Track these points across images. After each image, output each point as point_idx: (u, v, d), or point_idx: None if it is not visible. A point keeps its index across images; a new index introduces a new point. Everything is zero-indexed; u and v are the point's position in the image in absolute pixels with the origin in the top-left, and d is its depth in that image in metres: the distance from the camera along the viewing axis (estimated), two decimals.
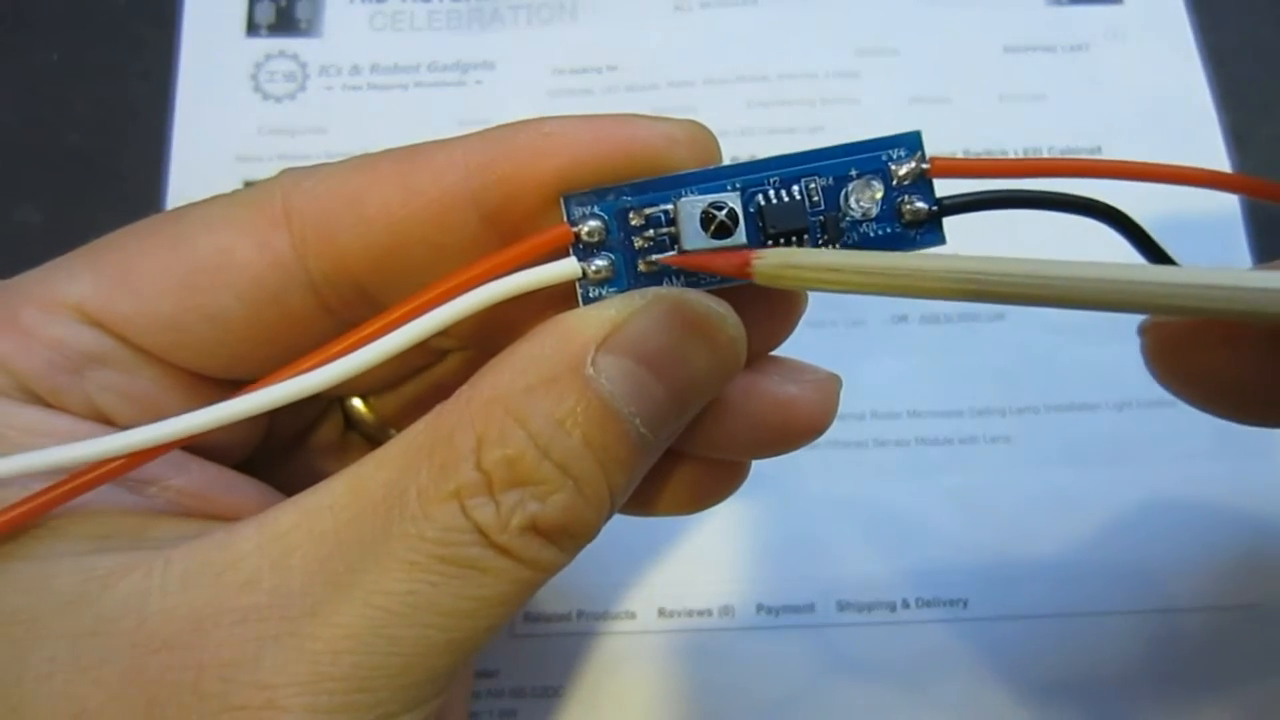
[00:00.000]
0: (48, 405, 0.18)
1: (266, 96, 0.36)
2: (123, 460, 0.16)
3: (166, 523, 0.18)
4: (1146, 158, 0.35)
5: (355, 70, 0.36)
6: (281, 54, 0.37)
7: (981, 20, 0.37)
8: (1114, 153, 0.35)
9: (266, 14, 0.37)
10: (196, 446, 0.19)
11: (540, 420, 0.16)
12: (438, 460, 0.16)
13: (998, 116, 0.36)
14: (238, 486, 0.19)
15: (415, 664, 0.16)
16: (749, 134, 0.35)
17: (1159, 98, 0.36)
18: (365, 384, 0.23)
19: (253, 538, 0.16)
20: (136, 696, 0.15)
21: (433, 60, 0.37)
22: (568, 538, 0.16)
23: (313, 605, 0.15)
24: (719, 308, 0.17)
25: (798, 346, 0.20)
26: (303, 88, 0.36)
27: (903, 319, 0.33)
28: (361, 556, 0.16)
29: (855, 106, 0.36)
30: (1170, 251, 0.19)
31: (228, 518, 0.18)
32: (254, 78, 0.36)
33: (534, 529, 0.16)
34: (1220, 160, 0.34)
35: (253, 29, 0.37)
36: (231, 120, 0.36)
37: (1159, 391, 0.28)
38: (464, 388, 0.17)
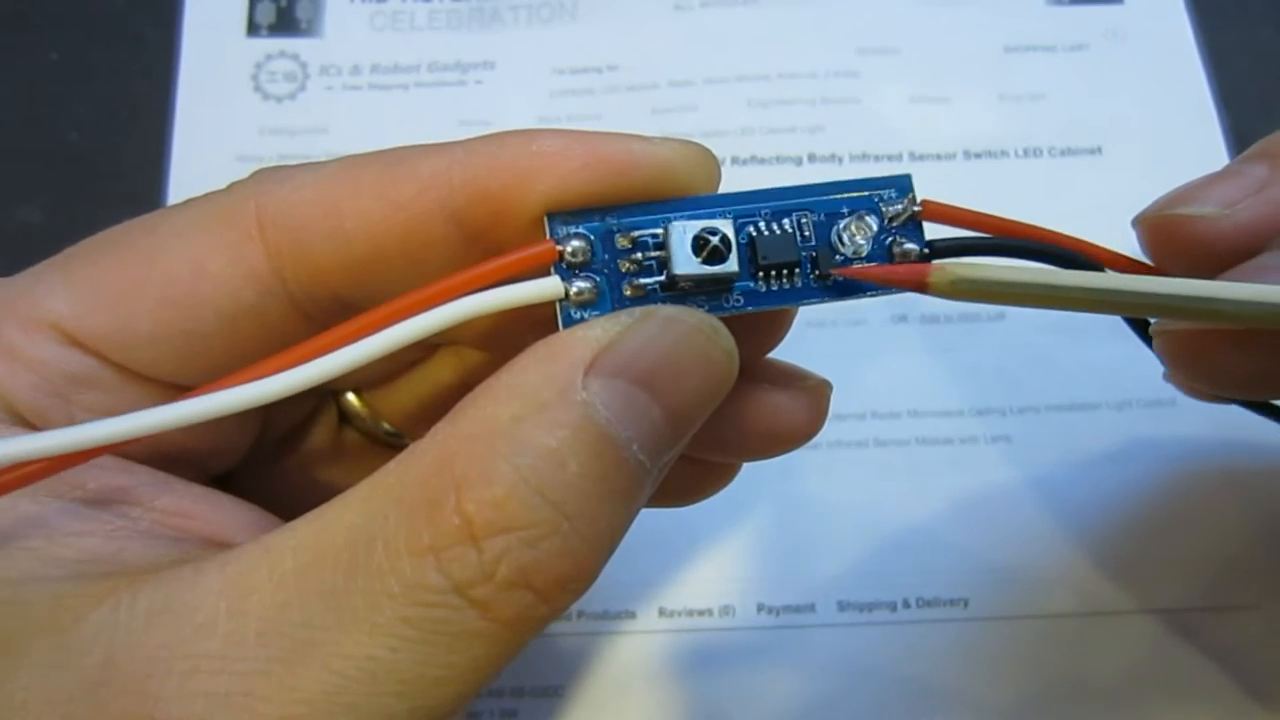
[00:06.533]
0: (35, 429, 0.17)
1: (267, 96, 0.36)
2: (42, 464, 0.15)
3: (146, 548, 0.17)
4: (1146, 158, 0.35)
5: (355, 70, 0.36)
6: (282, 54, 0.37)
7: (981, 20, 0.37)
8: (1114, 153, 0.35)
9: (267, 14, 0.37)
10: (186, 451, 0.19)
11: (532, 453, 0.14)
12: (406, 507, 0.15)
13: (998, 116, 0.36)
14: (224, 506, 0.18)
15: None
16: (749, 133, 0.35)
17: (1159, 98, 0.36)
18: (356, 379, 0.22)
19: (216, 576, 0.15)
20: None
21: (433, 60, 0.37)
22: (562, 590, 0.15)
23: (265, 662, 0.14)
24: (710, 321, 0.16)
25: (799, 346, 0.20)
26: (303, 88, 0.36)
27: (903, 319, 0.33)
28: (321, 610, 0.14)
29: (855, 106, 0.36)
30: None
31: (214, 539, 0.17)
32: (254, 78, 0.36)
33: (524, 582, 0.14)
34: (1220, 160, 0.34)
35: (253, 29, 0.37)
36: (232, 120, 0.36)
37: (1159, 391, 0.28)
38: (440, 424, 0.15)
